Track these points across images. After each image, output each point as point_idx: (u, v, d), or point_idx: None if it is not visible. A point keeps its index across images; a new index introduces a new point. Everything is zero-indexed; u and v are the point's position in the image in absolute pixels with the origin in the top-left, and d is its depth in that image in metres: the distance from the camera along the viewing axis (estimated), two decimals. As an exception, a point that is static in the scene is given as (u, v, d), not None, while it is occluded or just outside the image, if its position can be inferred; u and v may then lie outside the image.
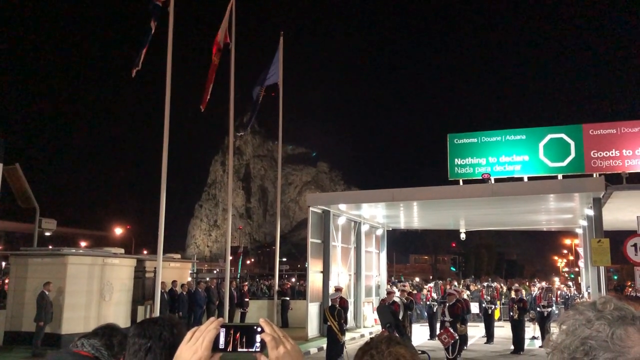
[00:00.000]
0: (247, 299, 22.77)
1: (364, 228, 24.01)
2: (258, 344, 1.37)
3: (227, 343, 1.37)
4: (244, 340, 1.37)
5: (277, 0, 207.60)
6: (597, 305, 1.24)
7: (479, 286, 31.26)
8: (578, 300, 26.17)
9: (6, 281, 19.69)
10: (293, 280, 33.41)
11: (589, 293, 18.83)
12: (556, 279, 48.10)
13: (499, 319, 23.76)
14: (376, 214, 23.47)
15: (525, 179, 19.19)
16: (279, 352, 1.35)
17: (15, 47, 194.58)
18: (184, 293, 19.47)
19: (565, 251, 64.23)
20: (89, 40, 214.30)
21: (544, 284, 27.96)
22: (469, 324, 17.07)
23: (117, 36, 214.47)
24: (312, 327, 18.97)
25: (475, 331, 21.09)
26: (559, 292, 25.57)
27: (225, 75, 19.02)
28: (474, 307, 23.43)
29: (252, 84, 20.99)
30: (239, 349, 1.37)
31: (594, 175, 17.75)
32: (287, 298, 23.54)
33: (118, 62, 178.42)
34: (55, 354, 2.56)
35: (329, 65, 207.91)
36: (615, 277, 58.53)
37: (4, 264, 25.11)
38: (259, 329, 1.38)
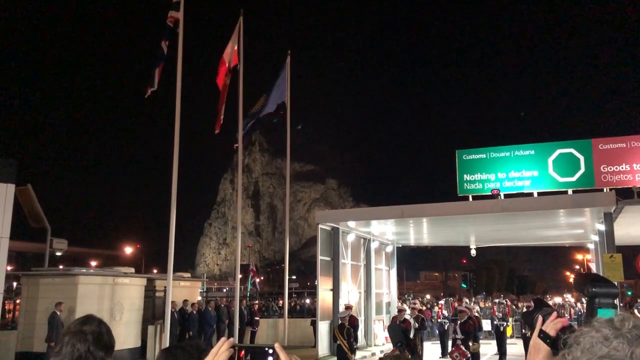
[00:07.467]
0: (257, 318, 22.68)
1: (374, 245, 23.92)
2: None
3: None
4: None
5: (284, 18, 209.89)
6: (614, 322, 1.20)
7: (489, 303, 30.99)
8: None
9: (17, 301, 19.74)
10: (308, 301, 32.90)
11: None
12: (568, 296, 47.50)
13: (511, 336, 23.51)
14: (386, 230, 23.39)
15: (535, 195, 19.08)
16: None
17: (27, 69, 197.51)
18: (194, 312, 19.44)
19: (577, 266, 63.55)
20: (100, 61, 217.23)
21: (557, 300, 27.69)
22: (481, 341, 16.90)
23: (127, 56, 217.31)
24: (323, 345, 18.83)
25: (488, 348, 20.86)
26: (572, 310, 25.29)
27: (233, 95, 19.18)
28: (486, 324, 23.22)
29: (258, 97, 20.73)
30: None
31: (605, 190, 17.62)
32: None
33: (129, 82, 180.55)
34: None
35: (337, 82, 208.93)
36: (629, 293, 57.72)
37: (15, 284, 25.19)
38: (270, 351, 1.36)
